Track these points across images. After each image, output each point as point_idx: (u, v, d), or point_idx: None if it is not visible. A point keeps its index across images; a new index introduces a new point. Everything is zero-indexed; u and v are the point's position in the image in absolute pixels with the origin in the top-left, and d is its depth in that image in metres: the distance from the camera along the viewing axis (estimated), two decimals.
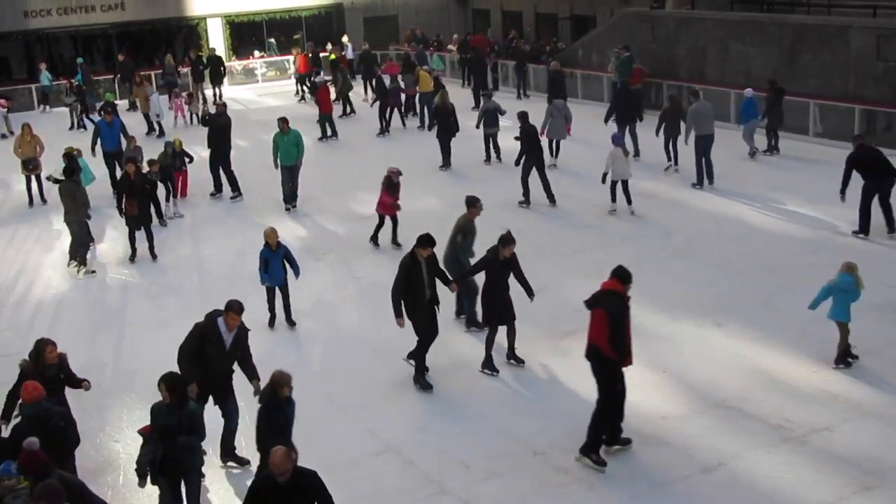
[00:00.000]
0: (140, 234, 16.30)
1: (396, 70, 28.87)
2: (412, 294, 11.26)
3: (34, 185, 20.21)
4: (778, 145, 21.32)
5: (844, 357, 11.29)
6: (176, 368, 12.09)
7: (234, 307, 9.57)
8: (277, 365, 12.21)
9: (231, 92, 33.30)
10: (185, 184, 20.02)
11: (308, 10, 38.44)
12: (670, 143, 20.08)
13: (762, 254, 15.33)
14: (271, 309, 13.46)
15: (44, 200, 20.05)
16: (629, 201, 17.46)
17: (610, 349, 9.38)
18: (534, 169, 18.06)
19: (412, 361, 11.58)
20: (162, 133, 26.44)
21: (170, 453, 8.34)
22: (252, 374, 9.79)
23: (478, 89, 27.63)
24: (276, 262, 13.09)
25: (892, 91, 21.56)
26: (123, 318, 14.24)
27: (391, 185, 16.11)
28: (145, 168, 17.92)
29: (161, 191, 17.90)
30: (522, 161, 18.16)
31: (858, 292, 11.21)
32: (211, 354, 9.56)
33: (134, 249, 16.37)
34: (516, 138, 18.52)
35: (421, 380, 11.44)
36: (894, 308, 12.88)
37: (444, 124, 21.31)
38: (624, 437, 9.83)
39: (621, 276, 9.63)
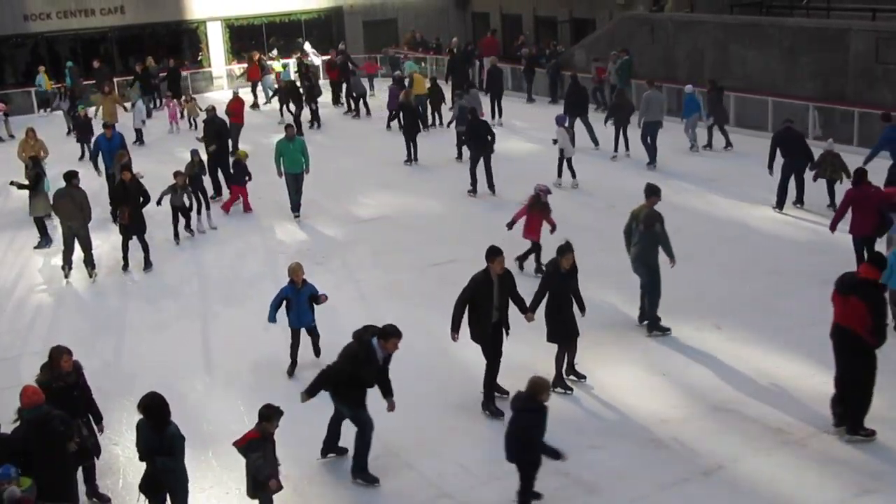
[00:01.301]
0: (135, 244, 16.17)
1: (374, 69, 29.47)
2: (476, 313, 10.63)
3: None
4: (730, 141, 22.36)
5: None
6: (175, 370, 12.19)
7: (396, 333, 9.47)
8: (277, 368, 12.30)
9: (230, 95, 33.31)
10: (246, 199, 19.20)
11: (307, 14, 38.46)
12: (620, 133, 21.73)
13: (761, 256, 15.34)
14: (294, 355, 12.06)
15: None
16: (573, 174, 19.63)
17: (871, 338, 9.54)
18: (481, 158, 19.21)
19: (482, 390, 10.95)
20: (142, 142, 26.01)
21: (151, 473, 8.27)
22: (388, 391, 9.70)
23: (455, 88, 27.72)
24: (301, 302, 11.80)
25: (892, 93, 21.58)
26: (122, 321, 14.23)
27: (539, 205, 14.71)
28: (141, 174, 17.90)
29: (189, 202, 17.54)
30: (470, 153, 19.47)
31: None
32: (366, 376, 9.52)
33: (126, 259, 16.21)
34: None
35: (490, 406, 10.80)
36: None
37: (410, 120, 22.23)
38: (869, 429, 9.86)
39: (877, 262, 9.80)
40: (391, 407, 9.61)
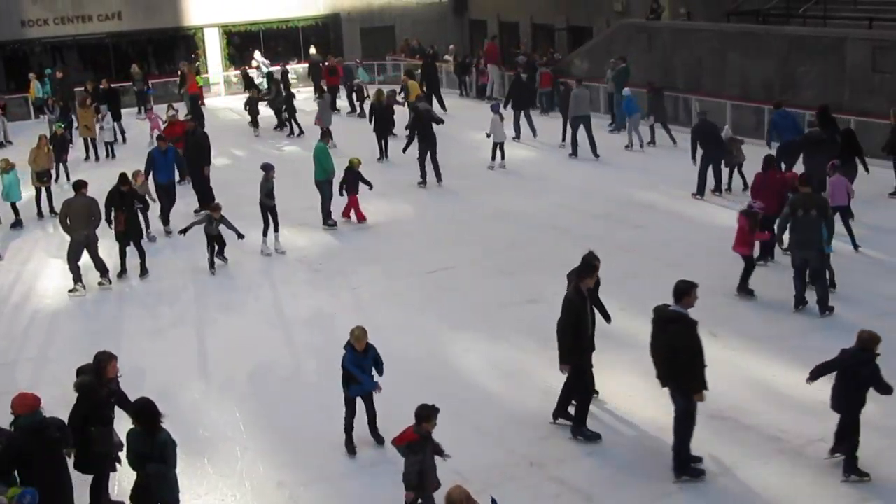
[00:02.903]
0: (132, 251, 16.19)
1: (336, 81, 29.85)
2: (579, 337, 10.20)
3: (44, 196, 20.07)
4: (673, 138, 23.46)
5: None
6: (171, 376, 12.16)
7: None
8: (273, 375, 12.29)
9: (228, 102, 33.37)
10: (358, 208, 18.58)
11: (305, 21, 38.52)
12: (568, 126, 23.71)
13: (765, 267, 15.32)
14: (349, 428, 10.38)
15: (53, 213, 19.76)
16: (503, 157, 22.20)
17: None
18: (428, 151, 20.81)
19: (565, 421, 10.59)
20: (113, 155, 25.38)
21: (141, 481, 8.22)
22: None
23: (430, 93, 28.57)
24: (366, 368, 10.29)
25: (888, 102, 21.61)
26: (119, 327, 14.21)
27: (752, 216, 14.13)
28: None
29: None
30: (418, 147, 21.04)
31: None
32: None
33: (123, 265, 16.16)
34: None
35: (585, 430, 10.36)
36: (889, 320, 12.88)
37: (380, 120, 23.65)
38: None
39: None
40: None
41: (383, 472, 9.82)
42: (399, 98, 26.26)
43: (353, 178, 18.30)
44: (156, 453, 8.07)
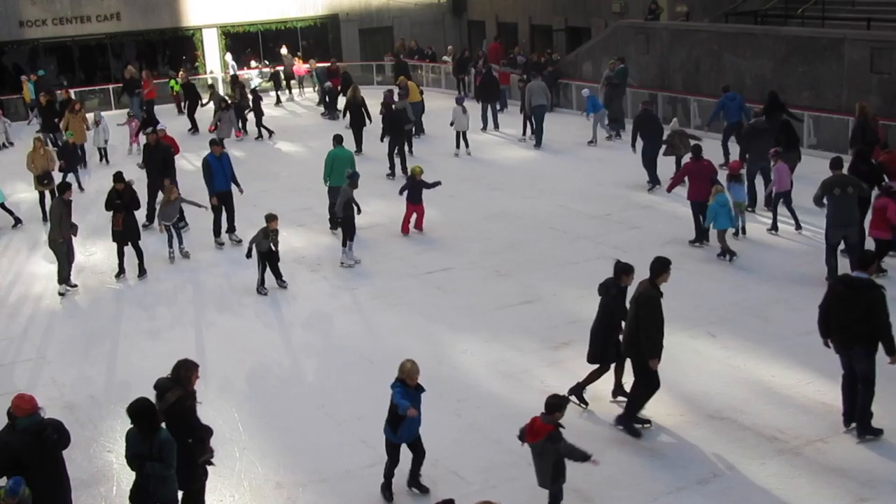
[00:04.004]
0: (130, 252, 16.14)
1: (338, 83, 29.72)
2: (659, 332, 10.09)
3: (48, 199, 19.72)
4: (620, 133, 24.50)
5: None
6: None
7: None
8: (271, 376, 12.29)
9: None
10: (421, 218, 17.73)
11: (303, 22, 38.54)
12: (486, 111, 25.95)
13: (755, 265, 15.35)
14: (390, 476, 9.40)
15: None
16: (467, 145, 23.85)
17: None
18: (397, 147, 21.98)
19: (572, 396, 10.61)
20: (107, 161, 24.79)
21: (141, 481, 8.19)
22: None
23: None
24: (417, 407, 9.16)
25: (886, 103, 21.64)
26: (117, 328, 14.20)
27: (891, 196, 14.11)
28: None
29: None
30: (388, 140, 22.10)
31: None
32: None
33: (121, 266, 16.14)
34: None
35: (633, 425, 10.40)
36: None
37: (355, 115, 24.36)
38: None
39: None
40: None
41: (380, 472, 9.81)
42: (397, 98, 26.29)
43: (416, 187, 17.38)
44: (155, 453, 8.06)
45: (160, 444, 8.07)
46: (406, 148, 22.62)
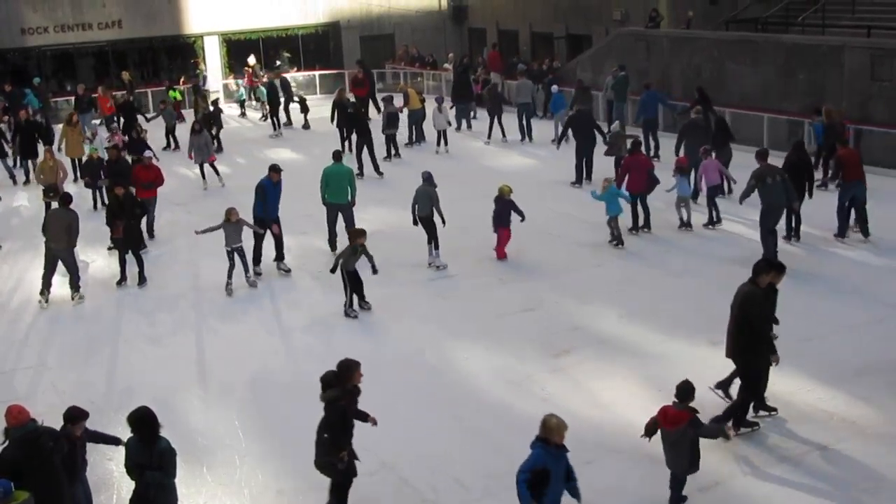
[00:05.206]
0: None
1: (363, 93, 29.23)
2: (762, 339, 10.15)
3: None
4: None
5: None
6: (169, 384, 12.14)
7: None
8: (272, 382, 12.28)
9: (227, 110, 33.38)
10: (506, 242, 16.64)
11: (304, 29, 38.59)
12: (494, 120, 26.04)
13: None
14: None
15: None
16: (446, 143, 25.17)
17: None
18: (364, 147, 22.76)
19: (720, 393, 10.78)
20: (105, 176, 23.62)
21: (140, 490, 8.17)
22: None
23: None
24: (560, 475, 7.93)
25: (886, 110, 21.66)
26: (117, 335, 14.19)
27: None
28: None
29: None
30: (356, 142, 23.13)
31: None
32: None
33: (123, 274, 16.07)
34: None
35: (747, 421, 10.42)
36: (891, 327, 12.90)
37: (342, 117, 24.85)
38: None
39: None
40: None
41: (382, 480, 9.81)
42: (398, 104, 26.33)
43: (506, 208, 16.34)
44: (155, 462, 8.04)
45: (160, 453, 8.06)
46: (374, 149, 22.98)
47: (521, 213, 16.21)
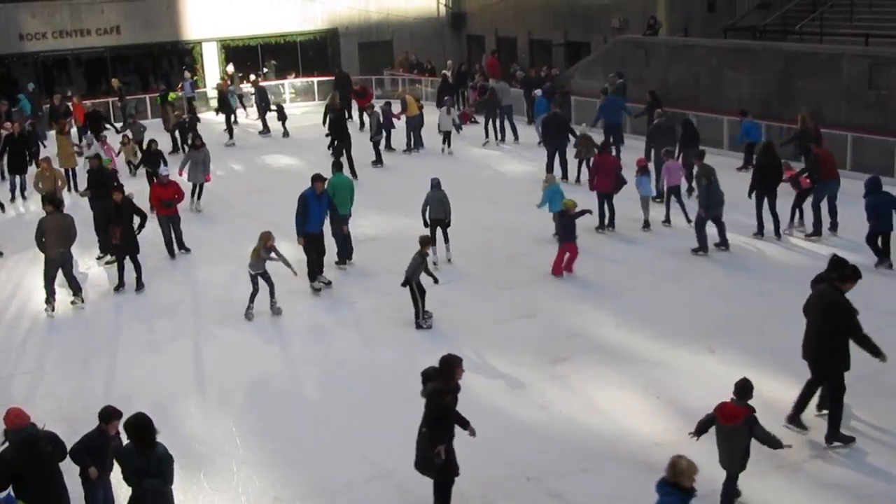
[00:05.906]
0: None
1: (365, 103, 29.13)
2: (846, 344, 9.99)
3: None
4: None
5: None
6: (168, 390, 12.12)
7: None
8: (270, 389, 12.26)
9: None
10: (569, 257, 15.91)
11: (303, 36, 38.60)
12: (489, 123, 27.13)
13: (753, 278, 15.35)
14: None
15: None
16: (449, 144, 25.94)
17: None
18: (344, 150, 23.29)
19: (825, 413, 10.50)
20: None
21: (138, 495, 8.15)
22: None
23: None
24: None
25: (884, 118, 21.69)
26: (116, 341, 14.17)
27: None
28: None
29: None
30: (335, 146, 23.79)
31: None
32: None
33: (121, 279, 16.04)
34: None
35: (842, 436, 10.27)
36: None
37: (335, 119, 25.07)
38: None
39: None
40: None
41: (379, 486, 9.80)
42: (396, 111, 26.42)
43: (570, 222, 15.93)
44: (152, 468, 8.01)
45: (158, 459, 8.03)
46: (358, 154, 23.55)
47: (581, 215, 16.03)
